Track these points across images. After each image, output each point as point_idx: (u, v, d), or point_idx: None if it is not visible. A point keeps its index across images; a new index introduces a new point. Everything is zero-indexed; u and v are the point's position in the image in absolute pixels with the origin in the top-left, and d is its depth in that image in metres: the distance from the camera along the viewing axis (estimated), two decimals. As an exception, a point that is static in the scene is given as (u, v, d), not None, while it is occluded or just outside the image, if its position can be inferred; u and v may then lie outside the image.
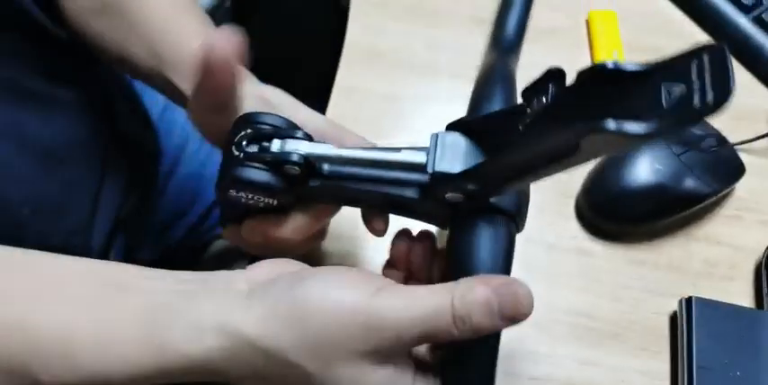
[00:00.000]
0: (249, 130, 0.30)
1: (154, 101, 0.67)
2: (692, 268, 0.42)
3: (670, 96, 0.20)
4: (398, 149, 0.29)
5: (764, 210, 0.44)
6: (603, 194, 0.42)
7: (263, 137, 0.30)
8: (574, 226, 0.43)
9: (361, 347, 0.25)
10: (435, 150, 0.28)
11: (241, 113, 0.31)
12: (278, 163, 0.29)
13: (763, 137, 0.45)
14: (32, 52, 0.44)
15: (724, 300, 0.39)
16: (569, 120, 0.21)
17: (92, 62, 0.54)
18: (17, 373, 0.26)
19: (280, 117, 0.31)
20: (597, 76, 0.22)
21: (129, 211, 0.58)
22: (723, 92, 0.19)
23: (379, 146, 0.31)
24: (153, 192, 0.64)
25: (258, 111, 0.31)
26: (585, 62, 0.49)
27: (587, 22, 0.51)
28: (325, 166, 0.30)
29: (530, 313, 0.25)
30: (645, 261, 0.42)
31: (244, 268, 0.83)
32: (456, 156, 0.27)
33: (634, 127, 0.19)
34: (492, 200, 0.28)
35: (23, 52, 0.43)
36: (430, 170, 0.27)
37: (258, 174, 0.29)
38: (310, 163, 0.29)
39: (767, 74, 0.49)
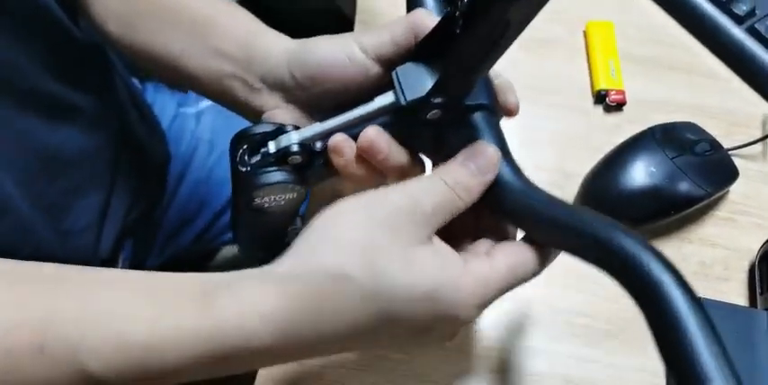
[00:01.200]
0: (245, 146, 0.33)
1: (164, 109, 0.69)
2: (688, 269, 0.43)
3: None
4: (372, 100, 0.32)
5: (757, 213, 0.45)
6: (600, 196, 0.43)
7: (258, 145, 0.33)
8: (572, 228, 0.45)
9: (387, 234, 0.27)
10: (399, 85, 0.31)
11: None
12: (282, 158, 0.32)
13: (756, 142, 0.47)
14: (52, 55, 0.45)
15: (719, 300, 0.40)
16: (490, 4, 0.25)
17: (106, 68, 0.56)
18: (63, 361, 0.26)
19: (265, 123, 0.34)
20: None
21: (137, 218, 0.60)
22: None
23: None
24: (162, 199, 0.65)
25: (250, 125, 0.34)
26: (583, 71, 0.51)
27: (585, 33, 0.52)
28: (318, 144, 0.33)
29: (497, 162, 0.31)
30: (641, 262, 0.43)
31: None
32: (418, 81, 0.31)
33: None
34: (467, 102, 0.31)
35: (43, 54, 0.44)
36: (403, 102, 0.31)
37: (273, 176, 0.32)
38: (306, 146, 0.32)
39: (760, 82, 0.50)
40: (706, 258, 0.44)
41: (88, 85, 0.51)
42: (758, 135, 0.48)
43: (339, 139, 0.32)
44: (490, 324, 0.41)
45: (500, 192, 0.31)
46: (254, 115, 0.38)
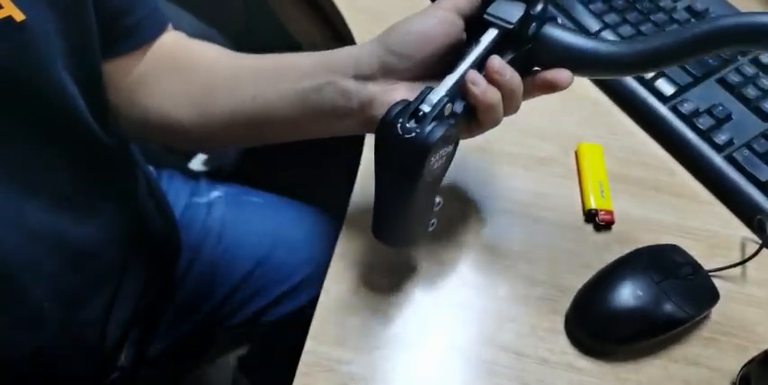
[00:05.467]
0: (400, 120, 0.36)
1: (177, 198, 0.72)
2: (673, 388, 0.45)
3: None
4: (478, 42, 0.39)
5: (738, 333, 0.48)
6: (591, 315, 0.46)
7: (410, 115, 0.36)
8: (564, 342, 0.47)
9: None
10: (497, 19, 0.39)
11: None
12: (440, 111, 0.36)
13: (735, 265, 0.50)
14: (80, 162, 0.48)
15: (701, 421, 0.42)
16: None
17: (129, 166, 0.59)
18: None
19: (397, 102, 0.37)
20: None
21: (145, 307, 0.62)
22: None
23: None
24: (168, 291, 0.67)
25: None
26: (574, 190, 0.55)
27: (576, 154, 0.57)
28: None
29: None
30: (629, 379, 0.45)
31: (243, 354, 0.84)
32: (508, 11, 0.39)
33: None
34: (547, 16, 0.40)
35: (72, 161, 0.47)
36: (511, 26, 0.38)
37: (441, 126, 0.35)
38: (452, 96, 0.37)
39: (739, 207, 0.54)
40: (690, 377, 0.46)
41: (111, 186, 0.54)
42: (738, 257, 0.51)
43: (473, 73, 0.38)
44: None
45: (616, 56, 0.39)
46: (363, 113, 0.42)
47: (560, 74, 0.41)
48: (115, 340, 0.58)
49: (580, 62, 0.40)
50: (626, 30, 0.62)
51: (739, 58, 0.61)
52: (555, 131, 0.58)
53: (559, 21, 0.41)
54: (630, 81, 0.60)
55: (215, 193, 0.74)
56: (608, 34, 0.62)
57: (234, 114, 0.46)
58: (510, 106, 0.40)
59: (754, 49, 0.36)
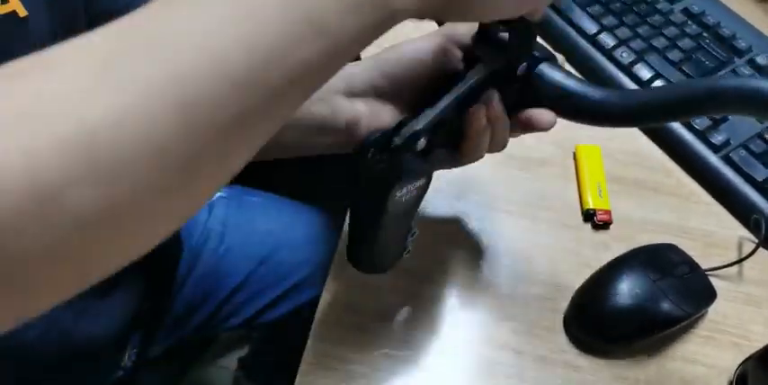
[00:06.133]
0: (371, 149, 0.35)
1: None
2: (671, 385, 0.46)
3: None
4: (464, 77, 0.37)
5: (735, 332, 0.49)
6: (589, 313, 0.46)
7: (383, 146, 0.35)
8: (563, 340, 0.47)
9: None
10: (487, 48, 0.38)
11: None
12: (413, 145, 0.35)
13: (732, 264, 0.51)
14: None
15: (699, 418, 0.43)
16: None
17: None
18: None
19: (375, 131, 0.36)
20: None
21: (147, 308, 0.62)
22: None
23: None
24: (170, 292, 0.67)
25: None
26: (573, 190, 0.55)
27: (574, 155, 0.57)
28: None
29: None
30: (627, 377, 0.46)
31: (243, 355, 0.85)
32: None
33: None
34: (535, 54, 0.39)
35: None
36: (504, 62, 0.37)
37: (409, 162, 0.35)
38: (427, 131, 0.35)
39: (735, 207, 0.54)
40: (687, 375, 0.46)
41: None
42: (735, 256, 0.52)
43: (479, 109, 0.37)
44: None
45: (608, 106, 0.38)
46: (348, 132, 0.41)
47: (542, 115, 0.40)
48: (118, 341, 0.59)
49: (567, 105, 0.39)
50: (623, 32, 0.63)
51: (735, 59, 0.61)
52: (553, 133, 0.58)
53: (560, 60, 0.40)
54: (628, 82, 0.61)
55: (217, 194, 0.74)
56: (605, 37, 0.63)
57: None
58: (496, 144, 0.40)
59: (753, 117, 0.34)
